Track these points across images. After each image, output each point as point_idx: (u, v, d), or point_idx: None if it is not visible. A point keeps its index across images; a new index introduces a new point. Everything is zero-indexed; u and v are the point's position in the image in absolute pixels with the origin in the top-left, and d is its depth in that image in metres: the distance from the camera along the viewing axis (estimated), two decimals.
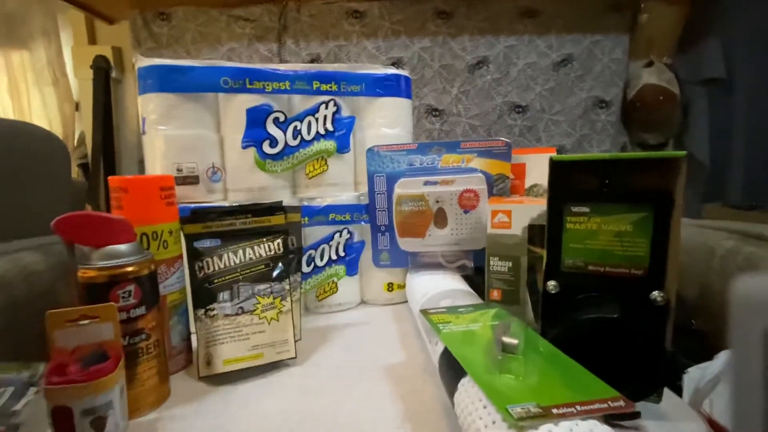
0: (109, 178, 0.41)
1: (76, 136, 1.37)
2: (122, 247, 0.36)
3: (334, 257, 0.61)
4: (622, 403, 0.25)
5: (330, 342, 0.51)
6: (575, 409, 0.24)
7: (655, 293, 0.33)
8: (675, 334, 0.33)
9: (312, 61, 1.18)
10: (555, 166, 0.36)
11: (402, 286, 0.63)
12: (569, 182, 0.36)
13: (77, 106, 1.36)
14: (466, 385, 0.29)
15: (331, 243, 0.60)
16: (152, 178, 0.42)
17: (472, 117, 1.20)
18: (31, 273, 0.62)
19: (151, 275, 0.37)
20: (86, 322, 0.32)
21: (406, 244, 0.59)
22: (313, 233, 0.59)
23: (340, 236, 0.61)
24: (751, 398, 0.15)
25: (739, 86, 1.09)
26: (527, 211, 0.47)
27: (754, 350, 0.15)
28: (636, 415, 0.32)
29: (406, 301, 0.62)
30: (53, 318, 0.31)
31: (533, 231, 0.47)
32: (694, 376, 0.48)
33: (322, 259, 0.60)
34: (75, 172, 1.30)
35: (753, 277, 0.15)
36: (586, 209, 0.35)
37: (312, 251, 0.59)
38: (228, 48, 1.18)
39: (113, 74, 1.23)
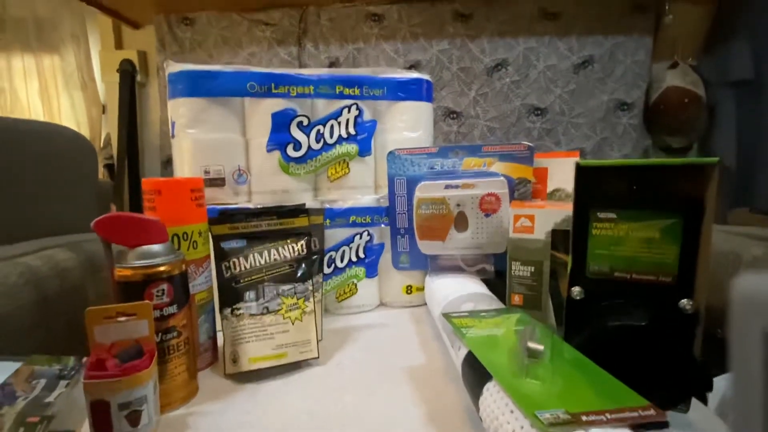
0: (143, 180, 0.42)
1: (102, 138, 1.42)
2: (156, 247, 0.37)
3: (354, 259, 0.61)
4: (653, 412, 0.24)
5: (351, 343, 0.52)
6: (605, 417, 0.24)
7: (684, 301, 0.33)
8: (701, 343, 0.32)
9: (331, 65, 1.20)
10: (581, 172, 0.36)
11: (421, 289, 0.64)
12: (596, 187, 0.35)
13: (104, 109, 1.40)
14: (491, 389, 0.29)
15: (351, 245, 0.61)
16: (184, 180, 0.43)
17: (490, 119, 1.19)
18: (62, 270, 0.65)
19: (183, 275, 0.39)
20: (123, 319, 0.33)
21: (426, 247, 0.60)
22: (333, 235, 0.60)
23: (360, 238, 0.61)
24: (752, 399, 0.14)
25: (767, 88, 1.05)
26: (551, 215, 0.46)
27: (753, 351, 0.14)
28: (664, 425, 0.32)
29: (425, 304, 0.62)
30: (93, 314, 0.32)
31: (556, 236, 0.46)
32: (719, 386, 0.47)
33: (342, 261, 0.61)
34: (101, 173, 1.34)
35: (752, 276, 0.15)
36: (612, 215, 0.35)
37: (332, 253, 0.60)
38: (249, 52, 1.20)
39: (138, 78, 1.27)
